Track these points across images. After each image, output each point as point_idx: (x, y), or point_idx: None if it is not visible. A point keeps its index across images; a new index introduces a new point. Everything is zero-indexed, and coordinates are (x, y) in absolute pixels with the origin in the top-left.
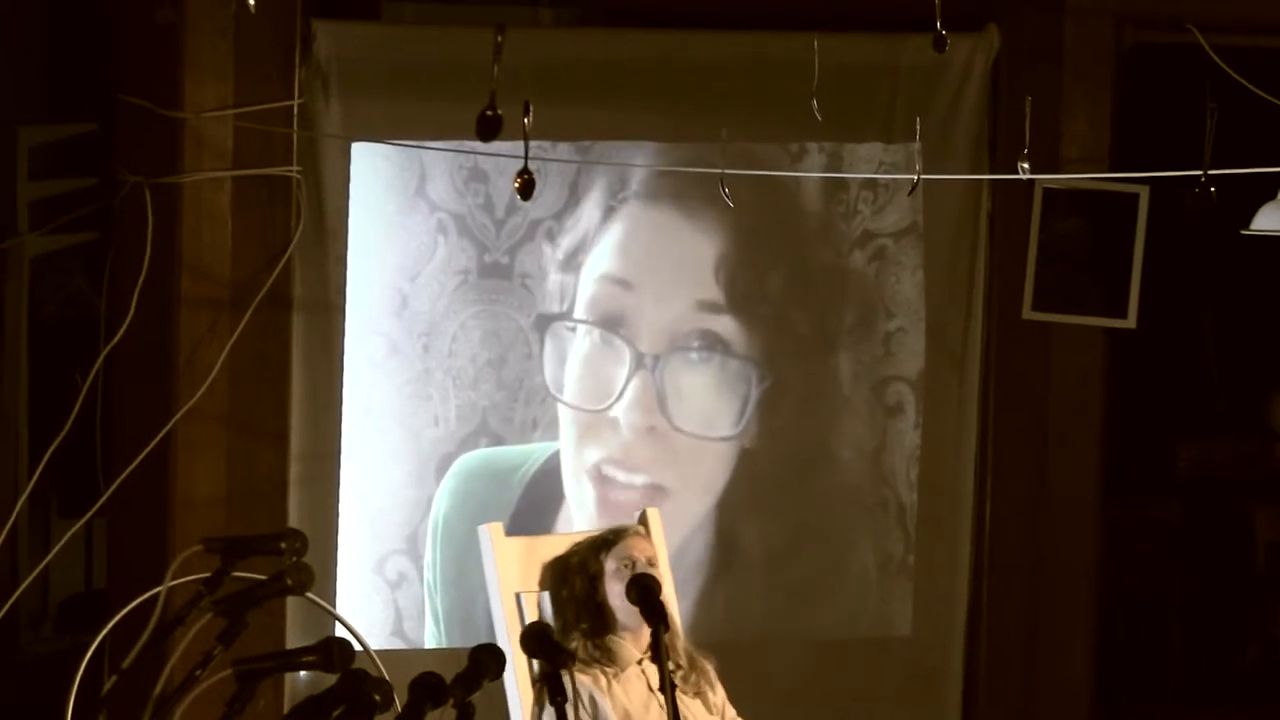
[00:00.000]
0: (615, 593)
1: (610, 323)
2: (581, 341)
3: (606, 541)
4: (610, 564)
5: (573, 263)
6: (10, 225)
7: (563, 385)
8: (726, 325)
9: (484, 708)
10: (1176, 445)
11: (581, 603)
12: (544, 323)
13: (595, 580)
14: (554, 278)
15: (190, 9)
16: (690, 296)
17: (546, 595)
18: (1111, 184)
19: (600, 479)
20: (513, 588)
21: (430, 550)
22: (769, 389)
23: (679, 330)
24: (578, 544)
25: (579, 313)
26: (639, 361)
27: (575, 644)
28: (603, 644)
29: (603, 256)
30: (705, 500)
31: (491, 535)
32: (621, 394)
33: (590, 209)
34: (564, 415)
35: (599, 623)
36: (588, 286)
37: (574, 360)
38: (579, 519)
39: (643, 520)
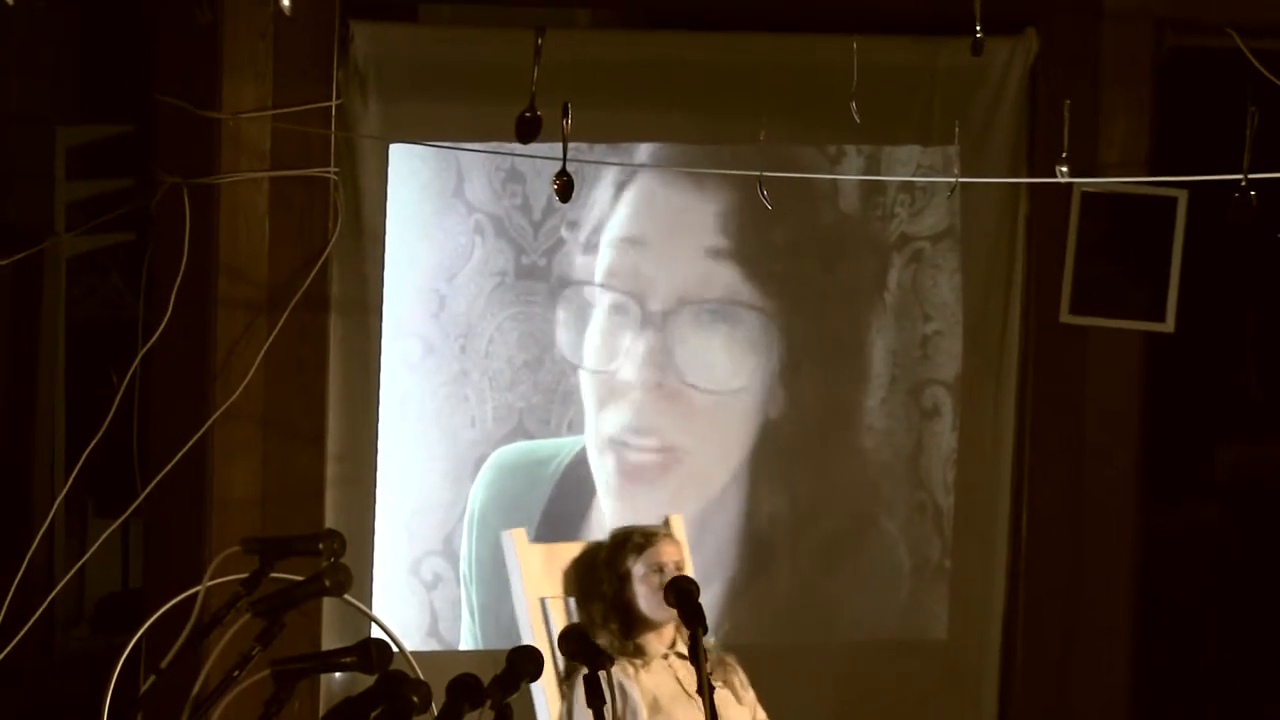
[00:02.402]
0: (642, 594)
1: (623, 284)
2: (598, 311)
3: (637, 545)
4: (639, 568)
5: (591, 242)
6: (48, 225)
7: (580, 357)
8: (740, 283)
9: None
10: (1215, 449)
11: (610, 600)
12: (559, 288)
13: (624, 580)
14: (579, 260)
15: (228, 10)
16: (699, 245)
17: (572, 601)
18: (1150, 188)
19: (617, 447)
20: (538, 593)
21: (466, 544)
22: (788, 352)
23: (690, 288)
24: (604, 543)
25: (598, 278)
26: (646, 319)
27: (604, 640)
28: (630, 639)
29: (617, 224)
30: (725, 465)
31: (515, 542)
32: (629, 351)
33: (603, 192)
34: (585, 389)
35: (625, 620)
36: (605, 255)
37: (592, 329)
38: (604, 497)
39: (665, 526)
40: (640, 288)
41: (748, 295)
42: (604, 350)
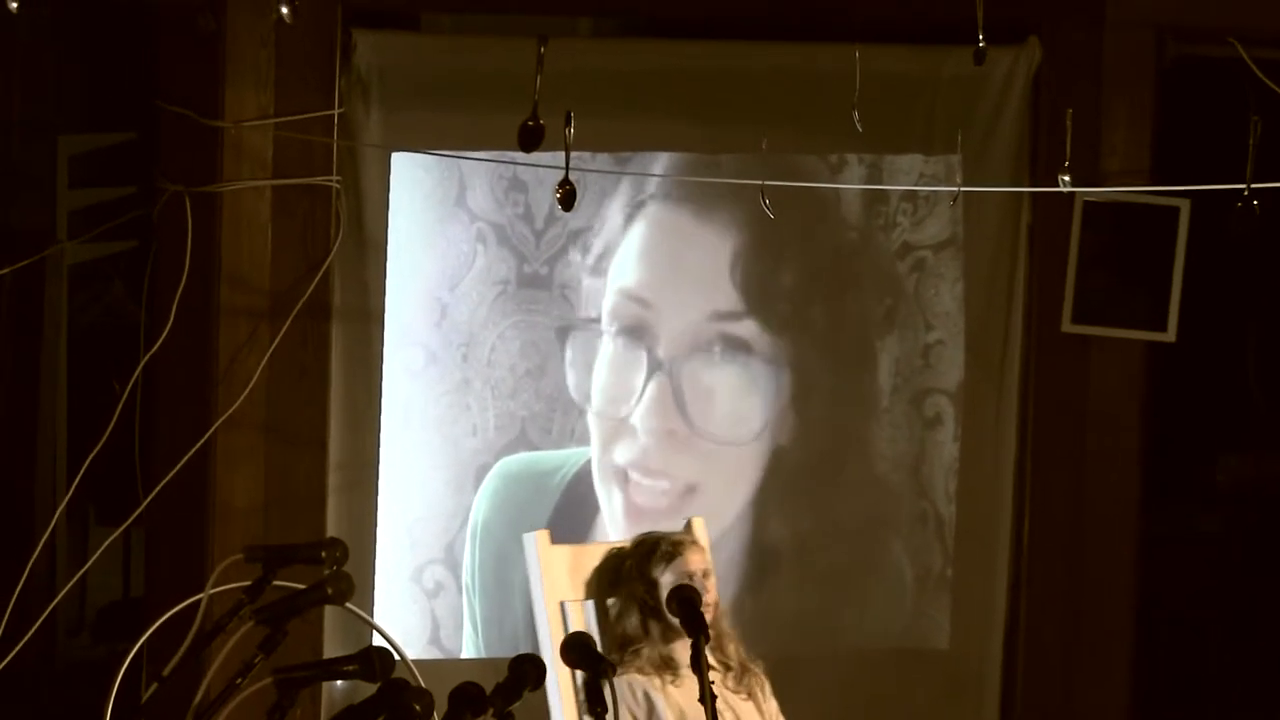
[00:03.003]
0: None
1: (631, 330)
2: (606, 346)
3: (665, 554)
4: (668, 577)
5: (600, 267)
6: (50, 233)
7: (588, 392)
8: (748, 329)
9: (527, 718)
10: (1217, 458)
11: (646, 610)
12: (565, 331)
13: (653, 589)
14: (586, 282)
15: (231, 19)
16: (708, 306)
17: (591, 604)
18: (1152, 197)
19: (626, 482)
20: (557, 596)
21: (470, 554)
22: (797, 391)
23: (699, 335)
24: (629, 551)
25: (604, 320)
26: (656, 365)
27: (645, 649)
28: (667, 651)
29: (624, 267)
30: (738, 498)
31: (538, 543)
32: (639, 399)
33: (615, 211)
34: (592, 421)
35: (664, 629)
36: (610, 297)
37: (600, 366)
38: (611, 525)
39: (687, 528)
40: (649, 333)
41: (754, 336)
42: (613, 393)
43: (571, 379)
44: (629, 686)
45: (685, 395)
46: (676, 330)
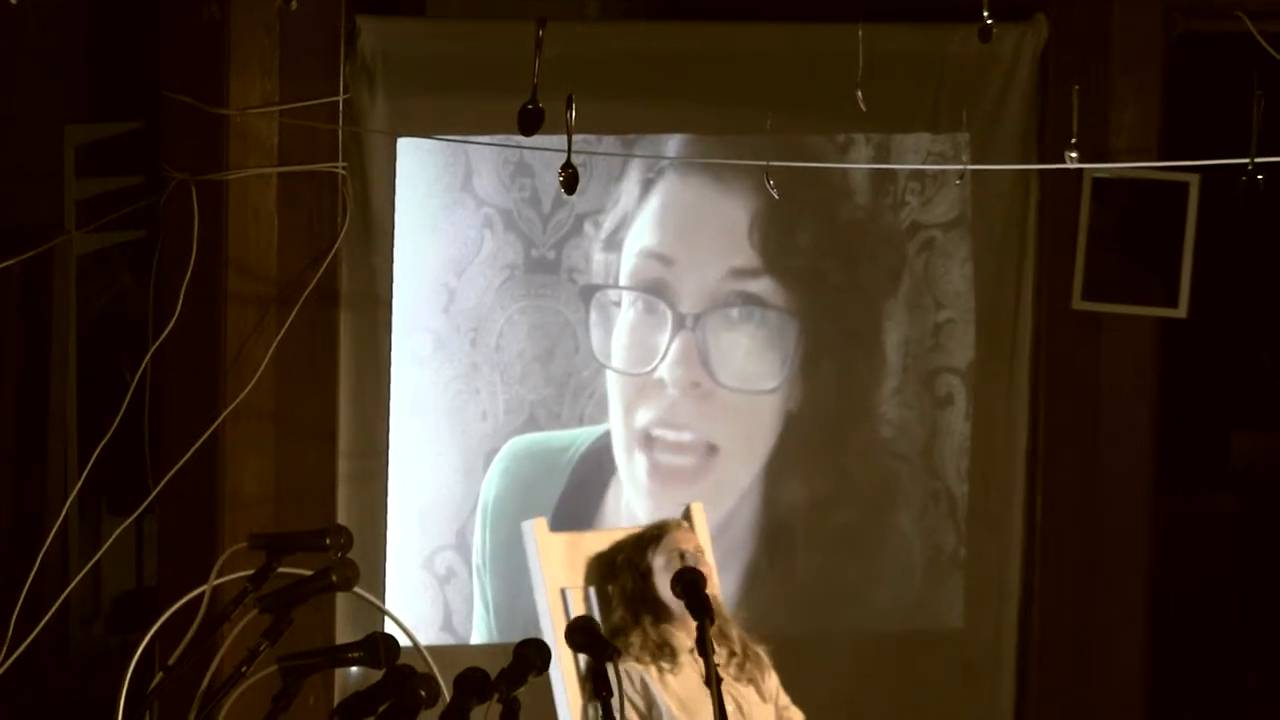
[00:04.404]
0: (666, 583)
1: (652, 288)
2: (626, 311)
3: (653, 537)
4: (659, 559)
5: (615, 240)
6: (57, 223)
7: (609, 356)
8: (765, 286)
9: (532, 703)
10: (1229, 436)
11: (636, 600)
12: (589, 292)
13: (646, 576)
14: (598, 257)
15: (235, 6)
16: (727, 263)
17: (593, 590)
18: (1161, 173)
19: (650, 443)
20: (558, 583)
21: (480, 534)
22: (809, 350)
23: (719, 291)
24: (621, 541)
25: (622, 283)
26: (680, 322)
27: (635, 639)
28: (659, 637)
29: (642, 231)
30: (754, 462)
31: (536, 531)
32: (665, 354)
33: (630, 186)
34: (612, 388)
35: (655, 616)
36: (629, 259)
37: (620, 330)
38: (633, 495)
39: (686, 515)
40: (670, 291)
41: (770, 291)
42: (636, 353)
43: (596, 339)
44: (626, 675)
45: (709, 348)
46: (696, 286)
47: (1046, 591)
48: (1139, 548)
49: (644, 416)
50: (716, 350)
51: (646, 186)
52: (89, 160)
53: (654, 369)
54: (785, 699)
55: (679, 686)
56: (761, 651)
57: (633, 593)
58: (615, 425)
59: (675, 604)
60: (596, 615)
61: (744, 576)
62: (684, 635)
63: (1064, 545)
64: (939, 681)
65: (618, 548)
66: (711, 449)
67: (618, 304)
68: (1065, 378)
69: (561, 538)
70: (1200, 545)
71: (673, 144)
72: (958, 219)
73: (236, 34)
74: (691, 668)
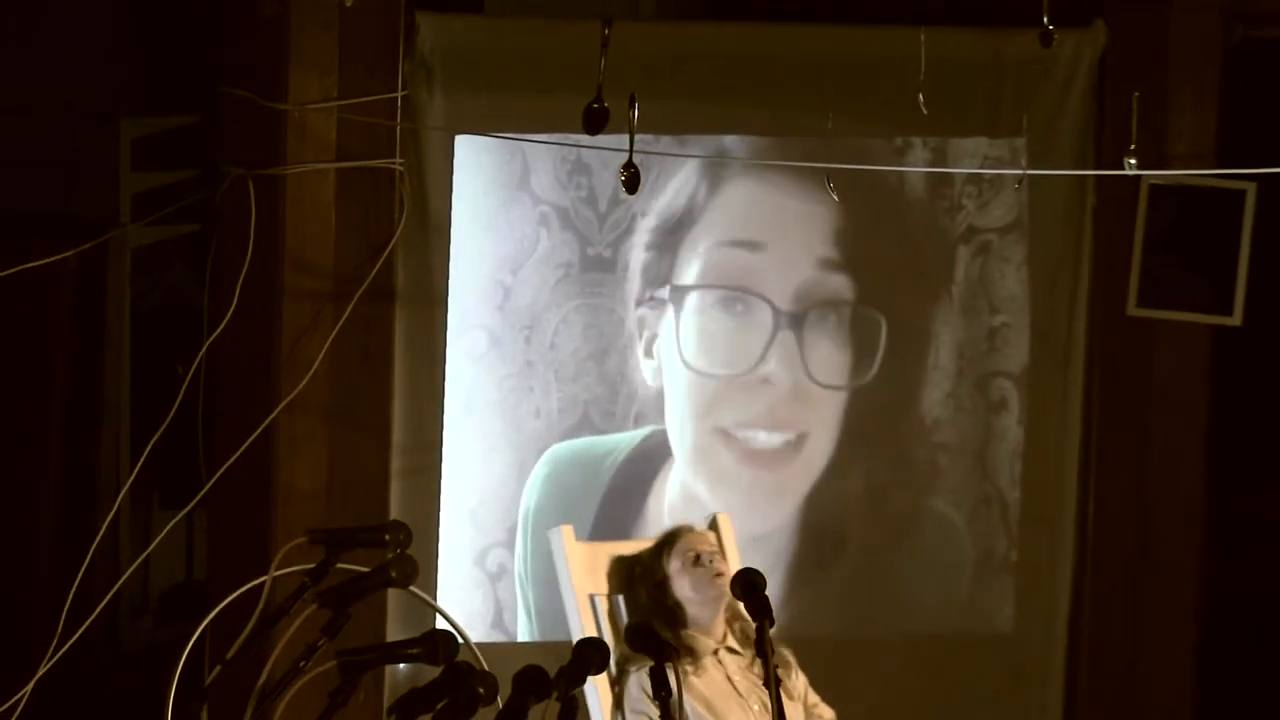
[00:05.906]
0: (684, 586)
1: (741, 285)
2: (709, 309)
3: (666, 544)
4: (674, 563)
5: (672, 240)
6: (113, 216)
7: (684, 355)
8: (843, 282)
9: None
10: None
11: (653, 610)
12: (679, 294)
13: (663, 585)
14: (648, 255)
15: (295, 1)
16: (813, 254)
17: (620, 598)
18: (1218, 180)
19: (729, 439)
20: (586, 590)
21: (521, 542)
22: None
23: (808, 288)
24: (638, 553)
25: (698, 280)
26: (779, 321)
27: None
28: (679, 642)
29: (716, 224)
30: (824, 455)
31: (564, 539)
32: (765, 355)
33: (691, 177)
34: (683, 386)
35: (673, 623)
36: (707, 254)
37: (701, 330)
38: (714, 487)
39: (713, 526)
40: (764, 284)
41: (847, 288)
42: (725, 353)
43: (671, 340)
44: (641, 682)
45: (805, 344)
46: (788, 279)
47: (1097, 596)
48: (1190, 554)
49: (728, 417)
50: (814, 349)
51: (715, 184)
52: (144, 154)
53: (752, 369)
54: (814, 697)
55: (703, 687)
56: (787, 652)
57: (646, 605)
58: (684, 423)
59: (696, 606)
60: (625, 621)
61: (788, 576)
62: (704, 638)
63: (1115, 550)
64: (988, 685)
65: (635, 559)
66: (804, 436)
67: (703, 303)
68: (1119, 384)
69: (586, 546)
70: (1251, 552)
71: (728, 144)
72: (1014, 223)
73: (296, 30)
74: (715, 668)
